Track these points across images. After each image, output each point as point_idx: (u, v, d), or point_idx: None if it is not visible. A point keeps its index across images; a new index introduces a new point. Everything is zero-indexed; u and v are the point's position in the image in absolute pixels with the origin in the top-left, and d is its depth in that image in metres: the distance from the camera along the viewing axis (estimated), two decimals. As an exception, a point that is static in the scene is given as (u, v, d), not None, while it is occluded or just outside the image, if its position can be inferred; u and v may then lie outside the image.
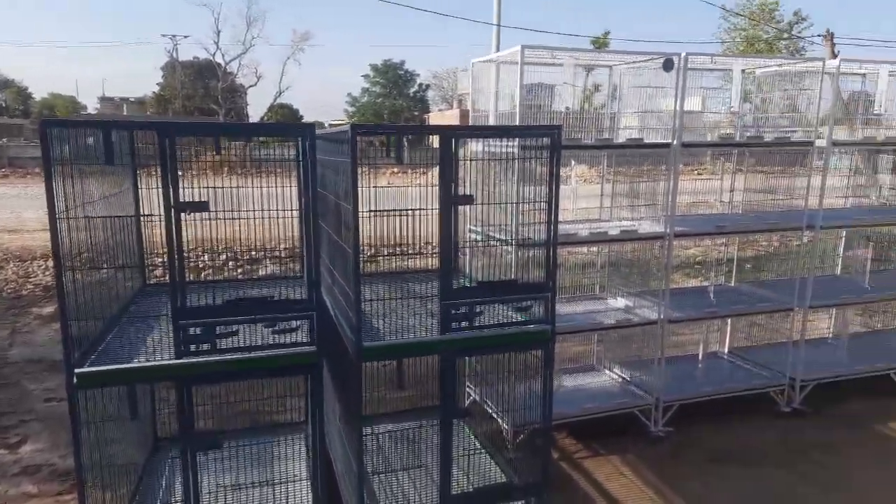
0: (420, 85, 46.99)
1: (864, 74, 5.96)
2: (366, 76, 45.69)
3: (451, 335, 3.13)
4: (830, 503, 4.50)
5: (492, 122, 4.98)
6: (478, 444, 4.57)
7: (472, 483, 3.81)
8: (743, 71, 5.67)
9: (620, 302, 5.74)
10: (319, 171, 4.08)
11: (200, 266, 10.33)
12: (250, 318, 2.96)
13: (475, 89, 5.03)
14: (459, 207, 4.56)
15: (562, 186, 5.51)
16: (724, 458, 5.09)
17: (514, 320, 3.40)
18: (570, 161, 6.24)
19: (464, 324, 3.20)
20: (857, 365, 6.14)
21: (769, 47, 35.25)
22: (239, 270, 10.27)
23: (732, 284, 6.48)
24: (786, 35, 35.52)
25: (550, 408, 3.54)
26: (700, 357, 6.15)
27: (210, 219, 2.97)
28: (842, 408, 5.95)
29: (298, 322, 3.01)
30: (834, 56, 15.78)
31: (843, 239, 6.86)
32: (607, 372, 6.00)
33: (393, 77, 45.73)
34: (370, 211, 2.87)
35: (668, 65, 4.72)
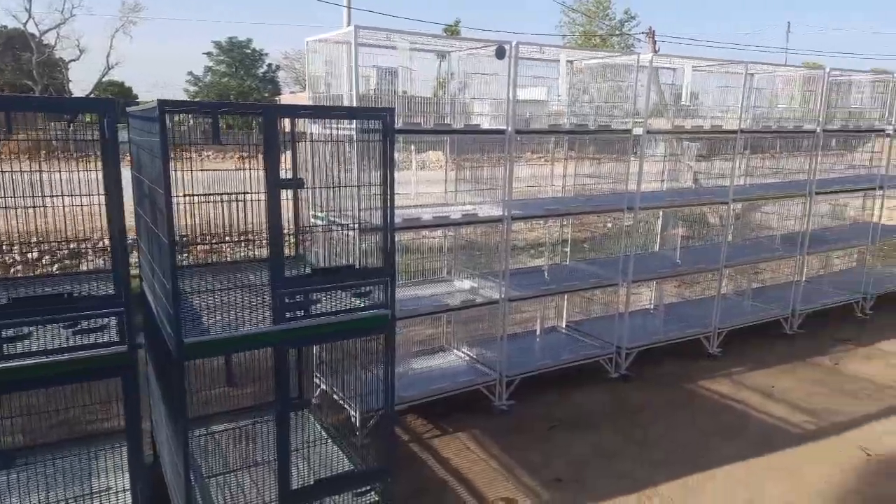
0: (270, 65, 44.83)
1: (674, 69, 6.61)
2: (208, 54, 42.76)
3: (284, 326, 3.00)
4: (646, 455, 5.00)
5: (346, 104, 4.85)
6: (325, 435, 4.49)
7: (316, 474, 3.72)
8: (570, 62, 6.03)
9: (466, 284, 5.91)
10: (135, 153, 3.72)
11: (9, 262, 9.08)
12: (48, 318, 2.62)
13: (312, 69, 4.85)
14: (303, 192, 4.43)
15: (404, 171, 5.52)
16: (561, 425, 5.46)
17: (352, 307, 3.35)
18: (409, 146, 6.27)
19: (299, 313, 3.08)
20: (672, 332, 6.86)
21: (603, 42, 38.17)
22: (55, 267, 9.16)
23: (568, 263, 6.94)
24: (617, 32, 38.72)
25: (393, 392, 3.54)
26: (538, 332, 6.53)
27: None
28: (661, 370, 6.64)
29: (106, 320, 2.71)
30: (655, 52, 17.43)
31: (660, 219, 7.61)
32: (456, 352, 6.17)
33: (239, 56, 43.16)
34: (185, 195, 2.64)
35: (500, 52, 4.88)
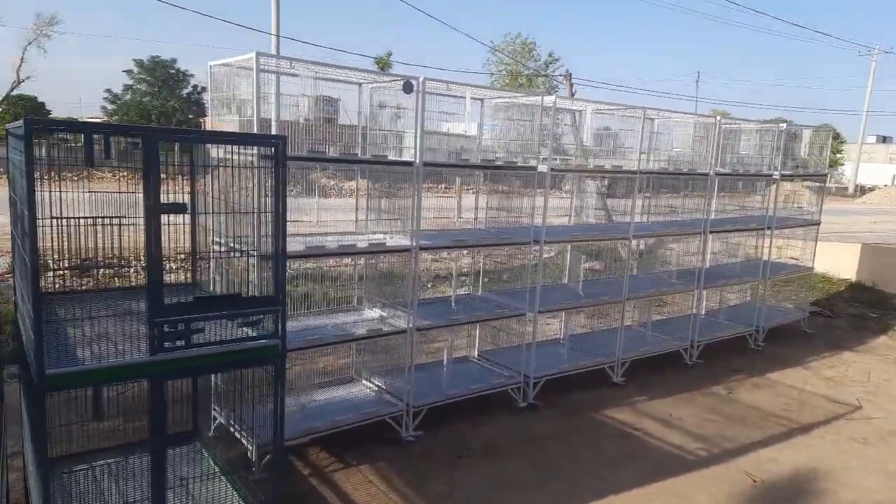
0: (195, 87, 43.62)
1: (577, 111, 6.94)
2: (128, 72, 41.24)
3: (161, 356, 2.88)
4: (550, 483, 5.08)
5: (256, 129, 4.78)
6: (217, 470, 4.30)
7: (200, 513, 3.55)
8: (482, 100, 6.23)
9: (376, 313, 5.88)
10: (12, 172, 3.52)
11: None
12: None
13: (216, 93, 4.78)
14: (204, 218, 4.30)
15: (307, 199, 5.48)
16: (469, 454, 5.46)
17: (239, 337, 3.26)
18: (315, 172, 6.26)
19: (179, 342, 2.97)
20: (579, 361, 7.06)
21: (530, 82, 39.59)
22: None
23: (479, 293, 7.04)
24: (542, 73, 40.33)
25: (282, 426, 3.45)
26: (445, 362, 6.54)
27: None
28: (568, 399, 6.79)
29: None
30: (572, 94, 18.27)
31: (569, 252, 7.88)
32: (365, 382, 6.09)
33: (162, 75, 41.82)
34: (53, 218, 2.51)
35: (407, 87, 4.98)
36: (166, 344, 2.90)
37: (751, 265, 9.00)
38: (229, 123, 4.86)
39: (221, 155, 4.41)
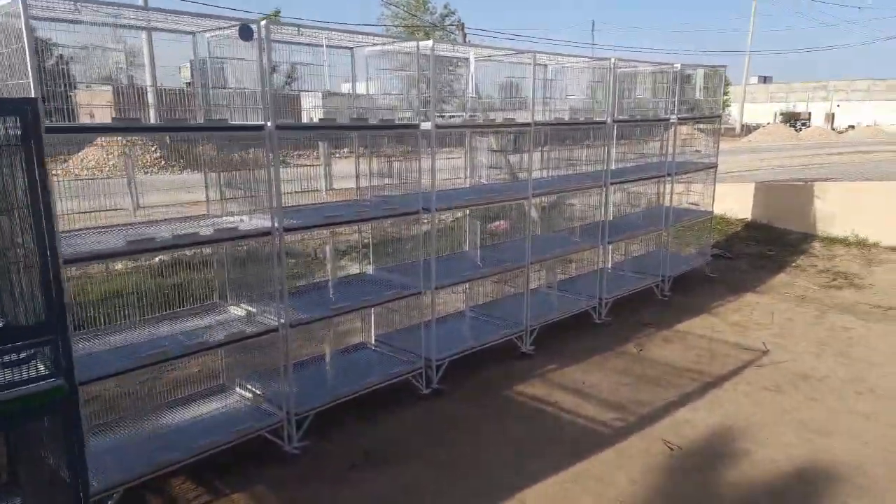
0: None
1: (463, 59, 6.18)
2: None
3: None
4: (456, 484, 4.50)
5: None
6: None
7: None
8: (351, 49, 5.34)
9: (242, 310, 4.99)
10: None
11: None
12: None
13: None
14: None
15: (122, 178, 4.43)
16: (362, 461, 4.78)
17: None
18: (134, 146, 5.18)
19: None
20: (485, 336, 6.49)
21: (426, 36, 38.42)
22: None
23: (372, 271, 6.27)
24: (437, 26, 39.19)
25: (82, 486, 2.58)
26: (327, 359, 5.75)
27: None
28: (476, 378, 6.22)
29: None
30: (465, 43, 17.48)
31: (467, 217, 7.22)
32: (238, 390, 5.22)
33: None
34: None
35: (244, 32, 4.02)
36: None
37: (653, 214, 8.74)
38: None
39: None
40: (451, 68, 6.69)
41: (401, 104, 5.44)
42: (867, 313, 8.23)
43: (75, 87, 3.77)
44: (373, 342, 6.38)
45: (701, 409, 5.69)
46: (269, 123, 4.29)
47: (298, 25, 4.36)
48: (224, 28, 4.24)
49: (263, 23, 4.13)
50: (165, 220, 4.39)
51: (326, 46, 4.57)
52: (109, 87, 4.11)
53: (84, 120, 4.46)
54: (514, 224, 8.26)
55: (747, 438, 5.17)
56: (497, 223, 8.83)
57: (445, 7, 40.69)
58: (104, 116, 3.82)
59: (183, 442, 4.31)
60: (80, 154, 15.66)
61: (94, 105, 4.29)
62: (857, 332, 7.57)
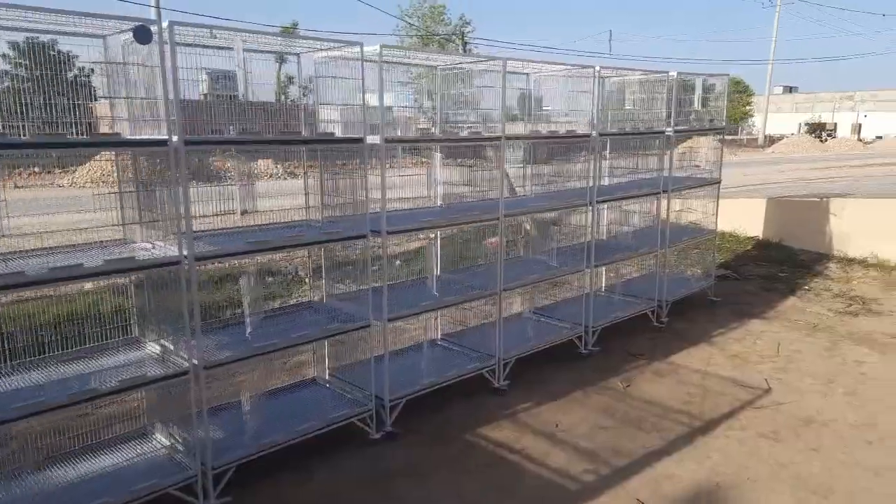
0: (81, 69, 39.67)
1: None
2: (3, 56, 36.99)
3: None
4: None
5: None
6: None
7: None
8: (298, 55, 4.80)
9: (158, 347, 4.45)
10: None
11: None
12: None
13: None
14: None
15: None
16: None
17: None
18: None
19: None
20: (450, 370, 5.87)
21: (442, 46, 37.96)
22: None
23: (321, 299, 5.70)
24: (454, 36, 38.72)
25: None
26: (244, 405, 5.03)
27: None
28: (437, 418, 5.60)
29: None
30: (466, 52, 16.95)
31: (438, 239, 6.62)
32: (158, 436, 4.67)
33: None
34: None
35: (141, 34, 3.50)
36: None
37: (648, 234, 8.05)
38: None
39: None
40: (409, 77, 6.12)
41: (355, 115, 4.89)
42: (884, 345, 7.44)
43: None
44: (326, 377, 5.80)
45: (687, 459, 5.01)
46: (174, 138, 3.77)
47: (211, 27, 3.83)
48: (123, 30, 3.74)
49: (165, 24, 3.62)
50: (46, 248, 3.86)
51: (238, 48, 4.03)
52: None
53: None
54: (509, 240, 7.65)
55: (736, 499, 4.48)
56: (491, 240, 8.23)
57: (461, 19, 40.22)
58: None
59: (85, 499, 3.76)
60: None
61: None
62: (872, 367, 6.80)
